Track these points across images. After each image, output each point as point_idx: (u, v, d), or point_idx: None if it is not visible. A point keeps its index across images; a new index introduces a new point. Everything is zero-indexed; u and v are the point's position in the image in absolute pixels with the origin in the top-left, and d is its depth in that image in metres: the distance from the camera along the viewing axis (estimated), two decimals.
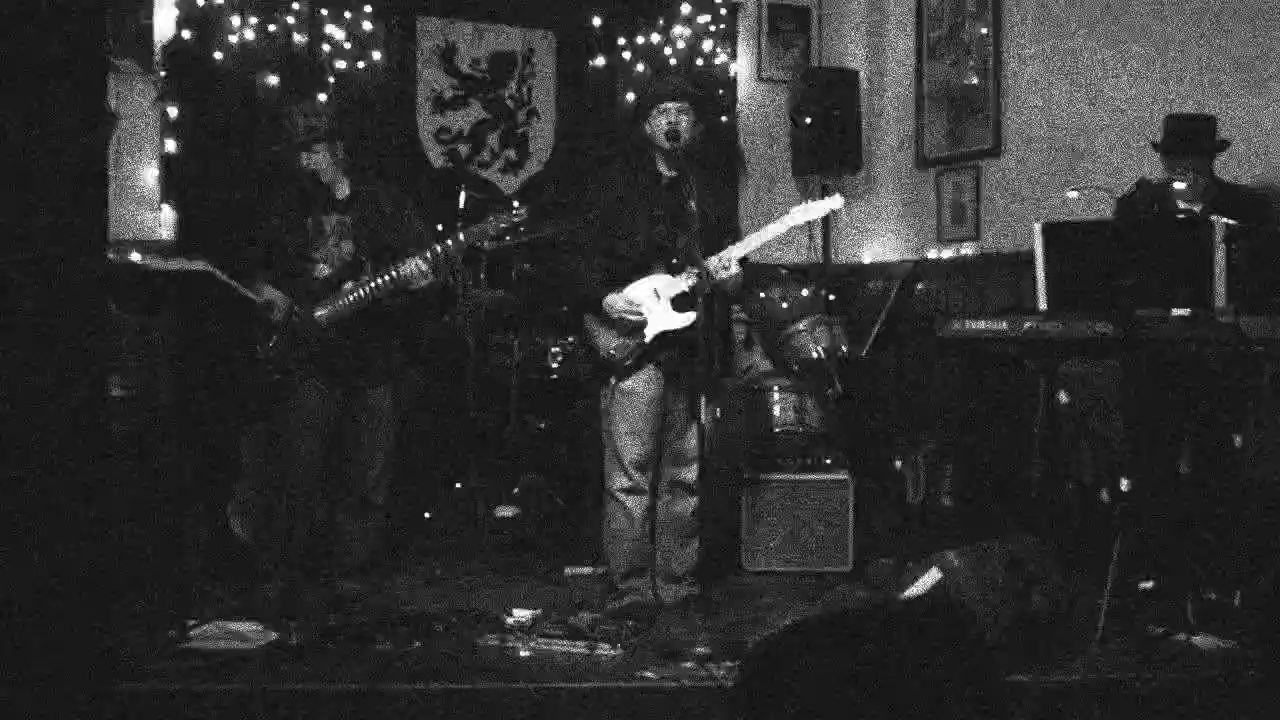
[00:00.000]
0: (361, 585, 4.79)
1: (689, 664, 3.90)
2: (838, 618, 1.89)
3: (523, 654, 4.08)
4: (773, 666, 1.71)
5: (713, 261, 4.37)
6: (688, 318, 4.44)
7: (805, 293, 7.00)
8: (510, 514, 5.68)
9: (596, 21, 6.55)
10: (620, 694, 3.77)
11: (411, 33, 6.36)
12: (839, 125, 6.87)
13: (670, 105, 4.50)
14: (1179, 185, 4.51)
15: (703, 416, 4.24)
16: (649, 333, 4.50)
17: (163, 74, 5.68)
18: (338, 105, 4.99)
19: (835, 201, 4.66)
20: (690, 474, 4.54)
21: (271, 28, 5.85)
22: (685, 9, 6.69)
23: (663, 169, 4.55)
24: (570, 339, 5.69)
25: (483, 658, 4.05)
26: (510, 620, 4.34)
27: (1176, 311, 4.07)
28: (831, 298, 6.85)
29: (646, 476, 4.59)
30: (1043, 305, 4.29)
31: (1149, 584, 4.51)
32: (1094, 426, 5.03)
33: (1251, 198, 4.60)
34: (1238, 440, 4.27)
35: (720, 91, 6.83)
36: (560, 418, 5.92)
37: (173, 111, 5.66)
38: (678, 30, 6.69)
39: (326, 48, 6.01)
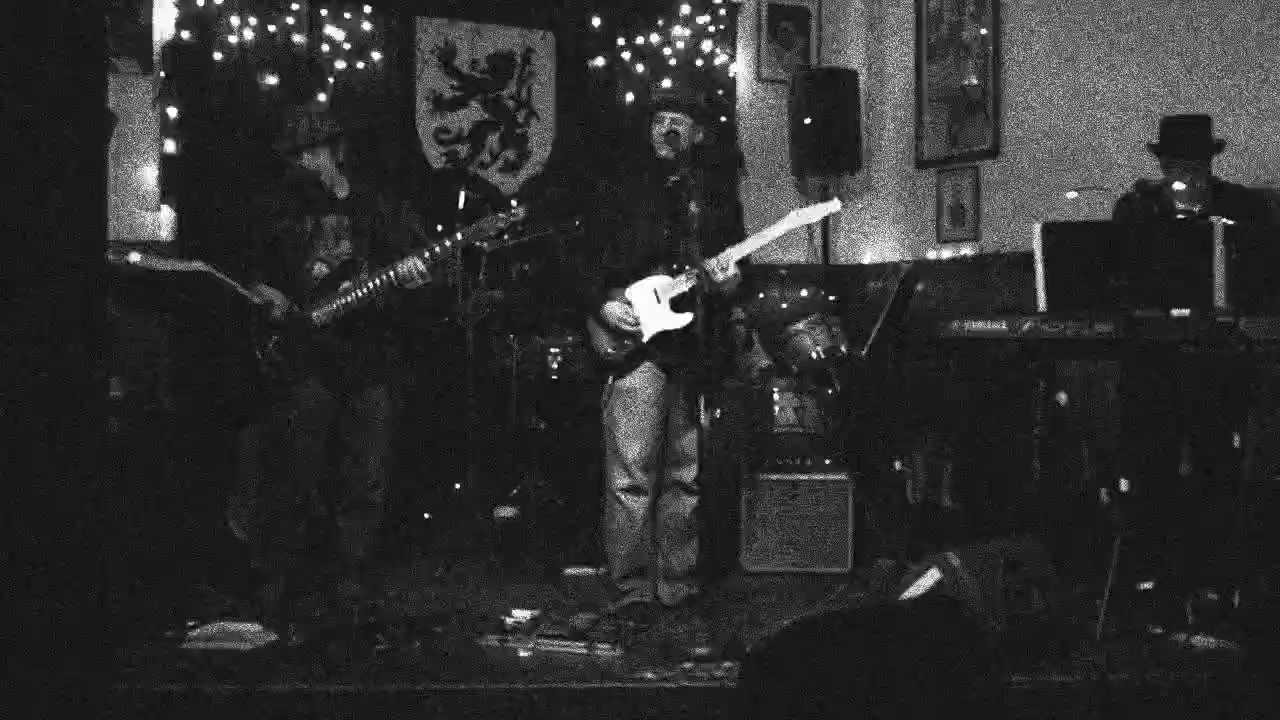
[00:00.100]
0: (361, 585, 4.80)
1: (689, 664, 3.91)
2: (838, 618, 1.89)
3: (523, 654, 4.08)
4: (773, 666, 1.71)
5: (711, 263, 4.38)
6: (685, 318, 4.47)
7: (805, 293, 7.03)
8: (510, 514, 5.68)
9: (596, 21, 6.55)
10: (620, 694, 3.78)
11: (411, 33, 6.35)
12: (838, 126, 6.87)
13: (666, 115, 4.56)
14: (1178, 186, 4.51)
15: (703, 417, 4.25)
16: (647, 333, 4.52)
17: (162, 74, 5.68)
18: (339, 107, 4.98)
19: (833, 205, 4.69)
20: (690, 474, 4.56)
21: (271, 28, 5.84)
22: (685, 9, 6.69)
23: (665, 172, 4.57)
24: (570, 339, 5.69)
25: (483, 658, 4.06)
26: (510, 620, 4.34)
27: (1176, 312, 4.07)
28: (831, 298, 6.86)
29: (648, 476, 4.60)
30: (1042, 305, 4.29)
31: (1149, 584, 4.51)
32: (1094, 426, 5.03)
33: (1250, 198, 4.60)
34: (1238, 440, 4.27)
35: (720, 92, 6.83)
36: (560, 418, 5.92)
37: (172, 111, 5.66)
38: (677, 30, 6.68)
39: (326, 48, 6.01)
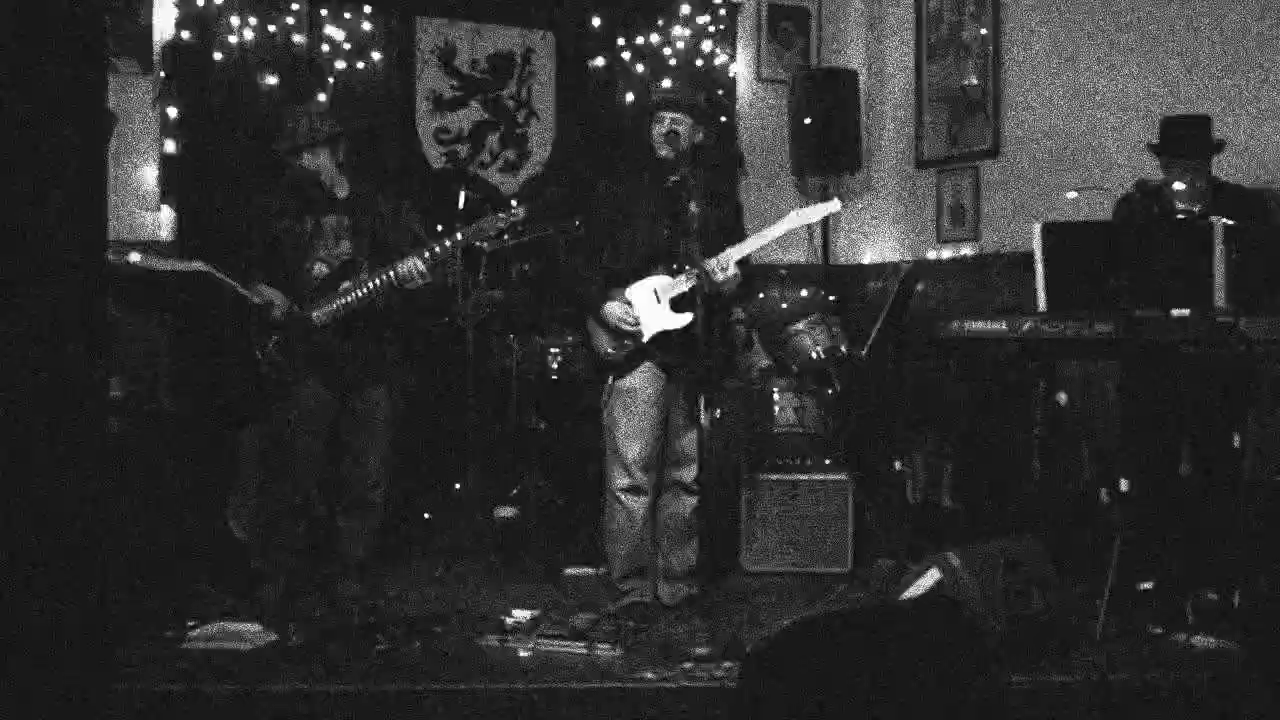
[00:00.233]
0: (361, 585, 4.80)
1: (689, 664, 3.91)
2: (838, 618, 1.89)
3: (522, 654, 4.08)
4: (773, 666, 1.71)
5: (711, 263, 4.39)
6: (685, 318, 4.47)
7: (805, 293, 7.03)
8: (510, 514, 5.68)
9: (596, 21, 6.54)
10: (620, 694, 3.78)
11: (411, 33, 6.35)
12: (838, 126, 6.87)
13: (666, 114, 4.57)
14: (1178, 186, 4.51)
15: (703, 417, 4.25)
16: (646, 333, 4.52)
17: (162, 74, 5.67)
18: (339, 107, 4.98)
19: (833, 205, 4.71)
20: (689, 474, 4.57)
21: (271, 28, 5.84)
22: (685, 9, 6.69)
23: (665, 172, 4.58)
24: (570, 339, 5.69)
25: (483, 658, 4.06)
26: (510, 620, 4.34)
27: (1176, 312, 4.07)
28: (831, 298, 6.86)
29: (648, 476, 4.60)
30: (1042, 306, 4.29)
31: (1149, 584, 4.51)
32: (1094, 426, 5.03)
33: (1250, 198, 4.60)
34: (1237, 440, 4.27)
35: (720, 92, 6.83)
36: (560, 418, 5.92)
37: (172, 112, 5.66)
38: (677, 30, 6.68)
39: (326, 48, 6.01)
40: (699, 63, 6.75)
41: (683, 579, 4.68)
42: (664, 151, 4.53)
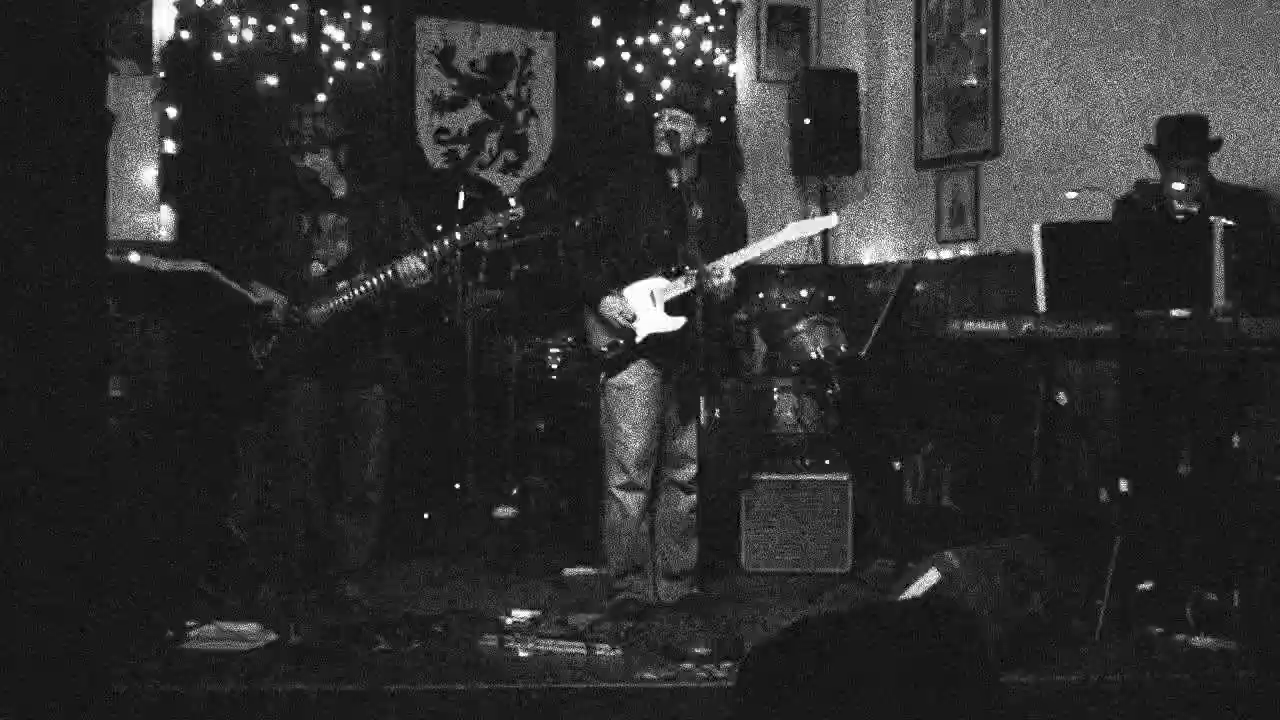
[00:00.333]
0: (360, 586, 4.79)
1: (689, 664, 3.91)
2: (837, 618, 1.89)
3: (522, 654, 4.08)
4: (773, 666, 1.71)
5: (706, 269, 4.41)
6: (678, 321, 4.51)
7: (805, 293, 7.02)
8: (509, 514, 5.68)
9: (596, 22, 6.54)
10: (620, 694, 3.78)
11: (410, 33, 6.35)
12: (838, 126, 6.88)
13: (668, 113, 4.60)
14: (1177, 186, 4.51)
15: (702, 416, 4.26)
16: (640, 333, 4.55)
17: (162, 74, 5.67)
18: (341, 109, 4.98)
19: (830, 220, 4.83)
20: (687, 473, 4.58)
21: (270, 28, 5.84)
22: (684, 9, 6.69)
23: (670, 174, 4.59)
24: (569, 339, 5.69)
25: (482, 658, 4.05)
26: (510, 620, 4.34)
27: (1175, 312, 4.08)
28: (831, 298, 6.86)
29: (644, 473, 4.61)
30: (1042, 306, 4.29)
31: (1149, 584, 4.51)
32: (1094, 426, 5.03)
33: (1249, 198, 4.60)
34: (1237, 441, 4.27)
35: (720, 92, 6.82)
36: (560, 418, 5.92)
37: (172, 112, 5.65)
38: (677, 31, 6.68)
39: (325, 48, 6.00)
40: (699, 63, 6.75)
41: (682, 578, 4.69)
42: (664, 150, 4.55)
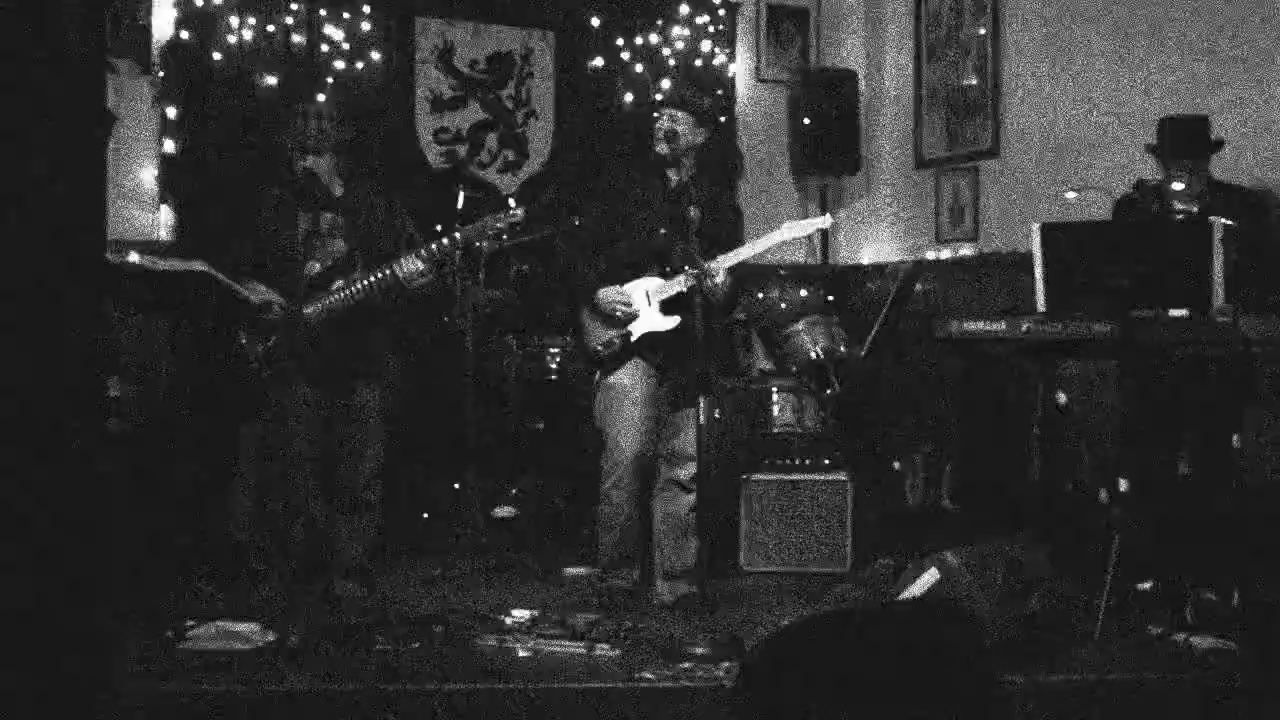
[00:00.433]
0: (360, 585, 4.79)
1: (688, 664, 3.90)
2: (837, 618, 1.88)
3: (521, 654, 4.07)
4: (772, 666, 1.71)
5: (704, 267, 4.41)
6: (673, 321, 4.53)
7: (804, 293, 7.03)
8: (508, 514, 5.68)
9: (595, 21, 6.54)
10: (619, 694, 3.77)
11: (410, 33, 6.35)
12: (838, 126, 6.88)
13: (667, 112, 4.61)
14: (1177, 186, 4.51)
15: (701, 416, 4.27)
16: (634, 332, 4.56)
17: (161, 74, 5.67)
18: (342, 110, 4.98)
19: (824, 221, 4.83)
20: (686, 472, 4.59)
21: (270, 28, 5.84)
22: (684, 9, 6.69)
23: (669, 174, 4.60)
24: (568, 339, 5.70)
25: (481, 658, 4.05)
26: (509, 620, 4.34)
27: (1175, 312, 4.07)
28: (831, 298, 6.86)
29: (637, 471, 4.64)
30: (1041, 306, 4.29)
31: (1149, 584, 4.51)
32: (1094, 426, 5.03)
33: (1249, 198, 4.60)
34: (1237, 441, 4.27)
35: (719, 92, 6.83)
36: (558, 418, 5.92)
37: (171, 112, 5.65)
38: (676, 31, 6.68)
39: (325, 48, 6.00)
40: (698, 63, 6.75)
41: (681, 577, 4.69)
42: (662, 149, 4.55)
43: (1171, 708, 3.75)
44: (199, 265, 4.47)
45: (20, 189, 1.62)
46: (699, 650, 3.96)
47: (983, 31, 6.36)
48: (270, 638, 4.15)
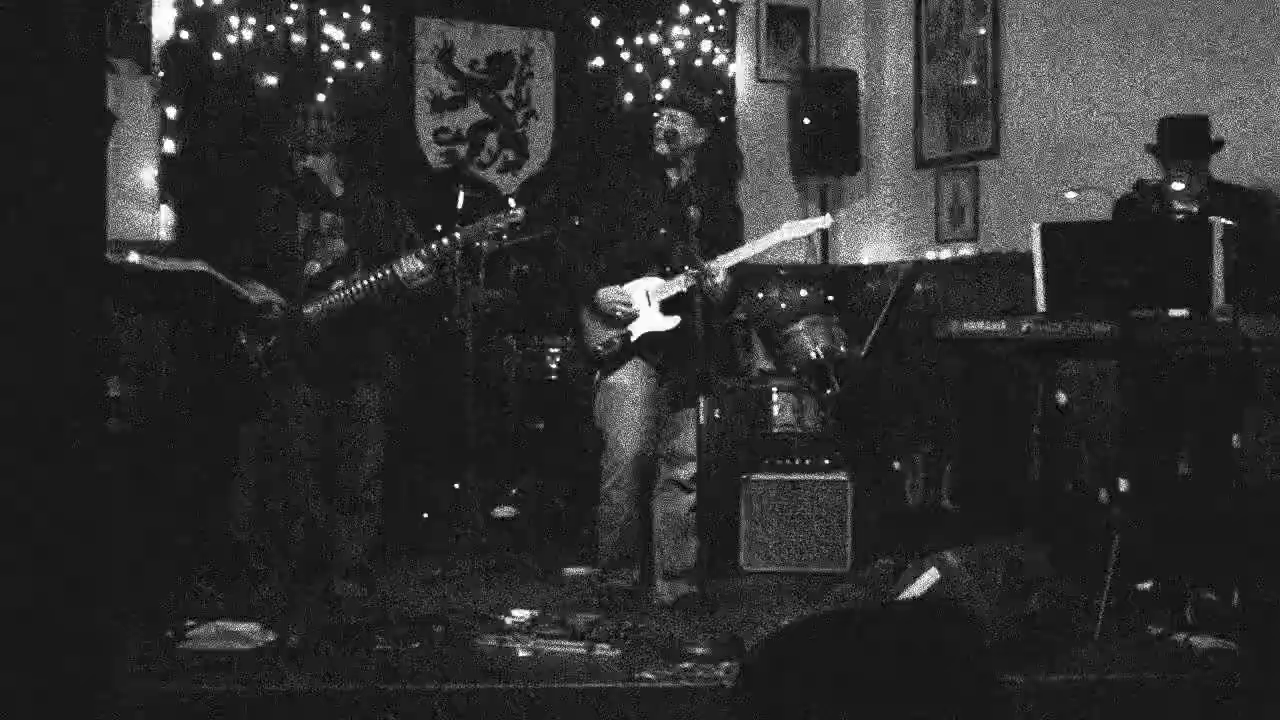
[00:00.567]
0: (359, 585, 4.79)
1: (688, 664, 3.90)
2: (837, 618, 1.88)
3: (521, 654, 4.07)
4: (772, 666, 1.71)
5: (704, 267, 4.42)
6: (672, 321, 4.53)
7: (804, 293, 7.03)
8: (508, 514, 5.68)
9: (595, 21, 6.54)
10: (619, 694, 3.77)
11: (410, 33, 6.35)
12: (838, 126, 6.88)
13: (667, 112, 4.62)
14: (1177, 186, 4.51)
15: (701, 416, 4.27)
16: (634, 332, 4.56)
17: (161, 74, 5.67)
18: (342, 110, 4.98)
19: (824, 221, 4.82)
20: (686, 472, 4.59)
21: (270, 28, 5.84)
22: (684, 9, 6.69)
23: (669, 174, 4.60)
24: (569, 339, 5.70)
25: (481, 658, 4.05)
26: (509, 620, 4.34)
27: (1175, 312, 4.07)
28: (831, 298, 6.86)
29: (637, 471, 4.64)
30: (1041, 306, 4.29)
31: (1149, 584, 4.51)
32: (1094, 426, 5.03)
33: (1249, 198, 4.60)
34: (1237, 441, 4.27)
35: (719, 92, 6.83)
36: (558, 418, 5.92)
37: (171, 112, 5.65)
38: (676, 31, 6.69)
39: (326, 48, 6.00)
40: (698, 63, 6.75)
41: (682, 577, 4.69)
42: (662, 149, 4.56)
43: (1171, 708, 3.75)
44: (199, 265, 4.47)
45: (20, 189, 1.62)
46: (699, 650, 3.96)
47: (983, 31, 6.36)
48: (270, 638, 4.15)
